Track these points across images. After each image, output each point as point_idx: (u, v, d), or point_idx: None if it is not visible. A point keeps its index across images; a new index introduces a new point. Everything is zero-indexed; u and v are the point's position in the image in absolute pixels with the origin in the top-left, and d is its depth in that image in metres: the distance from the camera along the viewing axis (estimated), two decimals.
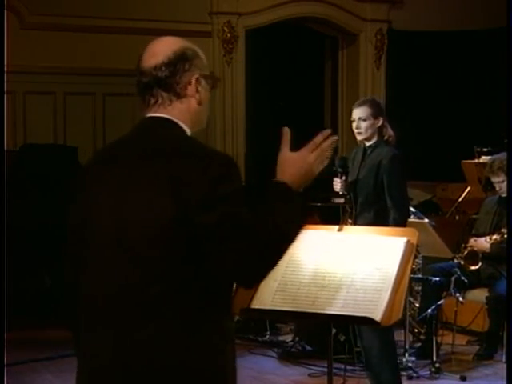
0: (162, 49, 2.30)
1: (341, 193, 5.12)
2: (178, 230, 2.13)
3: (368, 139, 5.10)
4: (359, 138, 5.13)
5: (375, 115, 5.08)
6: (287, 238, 2.20)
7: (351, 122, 5.15)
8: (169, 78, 2.28)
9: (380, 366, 4.96)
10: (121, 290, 2.18)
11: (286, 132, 2.37)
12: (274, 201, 2.21)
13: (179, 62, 2.29)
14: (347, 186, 5.11)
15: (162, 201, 2.14)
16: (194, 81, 2.31)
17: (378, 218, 4.95)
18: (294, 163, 2.30)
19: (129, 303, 2.17)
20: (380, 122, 5.09)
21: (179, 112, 2.30)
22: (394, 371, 5.04)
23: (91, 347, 2.24)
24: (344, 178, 5.12)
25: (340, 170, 5.13)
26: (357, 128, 5.10)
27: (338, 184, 5.13)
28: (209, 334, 2.20)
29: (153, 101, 2.30)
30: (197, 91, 2.32)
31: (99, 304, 2.21)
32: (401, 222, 4.89)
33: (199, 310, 2.18)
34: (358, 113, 5.10)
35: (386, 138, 5.12)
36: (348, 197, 5.06)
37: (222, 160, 2.20)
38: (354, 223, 5.00)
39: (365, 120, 5.06)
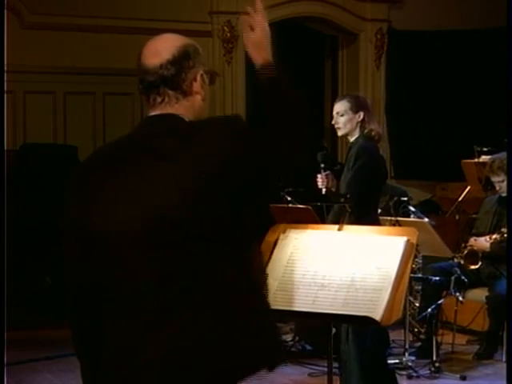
0: (164, 46, 2.29)
1: (323, 189, 5.05)
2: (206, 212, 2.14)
3: (348, 135, 5.02)
4: (339, 133, 5.06)
5: (355, 109, 4.98)
6: (299, 104, 2.43)
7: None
8: (175, 77, 2.27)
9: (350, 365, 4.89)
10: (150, 282, 2.16)
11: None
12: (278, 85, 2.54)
13: (184, 59, 2.29)
14: (329, 182, 5.06)
15: (185, 191, 2.14)
16: (199, 77, 2.31)
17: (363, 216, 4.89)
18: (267, 42, 2.51)
19: (159, 296, 2.15)
20: (361, 116, 4.98)
21: (185, 109, 2.29)
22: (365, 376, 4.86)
23: (114, 345, 2.21)
24: (327, 172, 5.08)
25: (322, 165, 5.09)
26: (335, 123, 5.04)
27: (319, 180, 5.08)
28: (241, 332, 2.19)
29: (159, 100, 2.28)
30: (202, 87, 2.32)
31: (126, 300, 2.19)
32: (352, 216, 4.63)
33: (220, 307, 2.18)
34: (336, 107, 5.02)
35: (366, 132, 5.01)
36: (348, 196, 5.03)
37: (236, 117, 2.34)
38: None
39: (342, 115, 4.98)
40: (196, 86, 2.30)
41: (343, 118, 4.98)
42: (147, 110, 2.33)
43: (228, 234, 2.19)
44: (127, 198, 2.20)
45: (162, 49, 2.28)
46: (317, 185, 5.10)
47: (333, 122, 5.05)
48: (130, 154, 2.25)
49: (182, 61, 2.28)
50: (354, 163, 4.88)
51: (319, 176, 5.07)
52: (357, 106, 4.99)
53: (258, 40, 2.43)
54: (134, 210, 2.18)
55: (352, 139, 5.02)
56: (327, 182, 5.05)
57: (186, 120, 2.28)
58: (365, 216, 4.76)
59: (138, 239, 2.18)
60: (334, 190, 5.08)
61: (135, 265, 2.18)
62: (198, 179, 2.15)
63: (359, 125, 4.98)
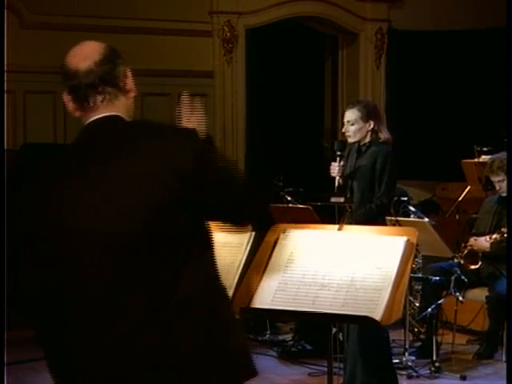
0: (90, 49, 2.33)
1: (337, 177, 5.07)
2: (177, 208, 2.14)
3: (359, 142, 5.08)
4: (350, 140, 5.12)
5: (365, 118, 5.02)
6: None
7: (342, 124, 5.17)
8: (111, 73, 2.28)
9: (354, 364, 4.89)
10: (119, 284, 2.14)
11: None
12: None
13: (113, 56, 2.32)
14: (344, 171, 5.09)
15: (157, 183, 2.14)
16: (129, 73, 2.33)
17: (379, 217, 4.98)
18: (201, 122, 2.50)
19: (132, 294, 2.14)
20: (371, 125, 5.03)
21: (124, 107, 2.31)
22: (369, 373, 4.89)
23: (85, 347, 2.19)
24: (342, 162, 5.09)
25: (339, 153, 5.11)
26: (346, 131, 5.08)
27: (335, 168, 5.08)
28: (201, 322, 2.19)
29: (100, 98, 2.28)
30: (133, 84, 2.34)
31: (94, 300, 2.16)
32: (376, 212, 4.93)
33: (195, 298, 2.17)
34: (347, 116, 5.08)
35: (381, 140, 5.08)
36: (348, 196, 5.05)
37: (195, 131, 2.29)
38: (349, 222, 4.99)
39: (353, 124, 5.03)
40: (129, 82, 2.33)
41: (353, 126, 5.02)
42: (85, 114, 2.32)
43: (190, 235, 2.18)
44: (89, 201, 2.17)
45: (89, 52, 2.32)
46: (330, 172, 5.11)
47: (343, 130, 5.11)
48: (94, 157, 2.23)
49: (112, 58, 2.31)
50: (382, 166, 4.94)
51: (335, 164, 5.09)
52: (367, 114, 5.03)
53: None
54: (98, 213, 2.15)
55: (363, 143, 5.07)
56: (341, 172, 5.08)
57: (129, 120, 2.30)
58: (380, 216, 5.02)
59: (100, 241, 2.15)
60: (340, 180, 5.09)
61: (100, 266, 2.15)
62: (153, 188, 2.14)
63: (369, 133, 5.04)
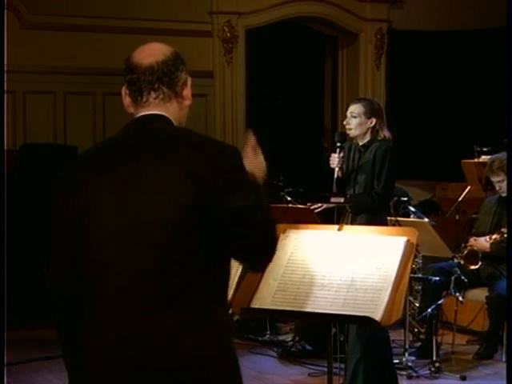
0: (157, 49, 2.34)
1: (336, 169, 5.07)
2: (197, 218, 2.16)
3: (359, 138, 5.09)
4: (349, 133, 5.13)
5: (368, 115, 5.05)
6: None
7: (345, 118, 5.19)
8: (171, 74, 2.30)
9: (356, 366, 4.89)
10: (142, 280, 2.17)
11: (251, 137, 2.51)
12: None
13: (178, 60, 2.33)
14: (343, 163, 5.10)
15: (181, 189, 2.16)
16: (189, 83, 2.35)
17: (375, 215, 4.97)
18: (261, 167, 2.48)
19: (150, 294, 2.17)
20: (373, 122, 5.06)
21: (173, 111, 2.32)
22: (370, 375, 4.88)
23: (110, 345, 2.21)
24: (342, 154, 5.11)
25: (339, 144, 5.12)
26: (347, 124, 5.10)
27: (335, 159, 5.09)
28: (216, 327, 2.22)
29: (154, 95, 2.29)
30: (190, 94, 2.36)
31: (117, 299, 2.19)
32: (376, 204, 4.94)
33: (210, 302, 2.20)
34: (351, 108, 5.12)
35: (380, 138, 5.09)
36: (348, 196, 5.05)
37: (235, 150, 2.28)
38: (351, 222, 4.98)
39: (355, 117, 5.06)
40: (186, 91, 2.35)
41: (355, 120, 5.05)
42: (136, 109, 2.33)
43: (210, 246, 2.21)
44: (125, 198, 2.21)
45: (154, 51, 2.33)
46: (329, 164, 5.12)
47: (344, 123, 5.14)
48: (129, 153, 2.26)
49: (175, 63, 2.32)
50: (381, 162, 4.98)
51: (334, 155, 5.10)
52: (371, 111, 5.06)
53: (252, 166, 2.44)
54: (130, 210, 2.20)
55: (363, 143, 5.08)
56: (341, 164, 5.08)
57: (177, 125, 2.32)
58: (382, 214, 5.05)
59: (133, 237, 2.19)
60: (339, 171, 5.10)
61: (128, 262, 2.19)
62: (179, 195, 2.17)
63: (370, 130, 5.06)
